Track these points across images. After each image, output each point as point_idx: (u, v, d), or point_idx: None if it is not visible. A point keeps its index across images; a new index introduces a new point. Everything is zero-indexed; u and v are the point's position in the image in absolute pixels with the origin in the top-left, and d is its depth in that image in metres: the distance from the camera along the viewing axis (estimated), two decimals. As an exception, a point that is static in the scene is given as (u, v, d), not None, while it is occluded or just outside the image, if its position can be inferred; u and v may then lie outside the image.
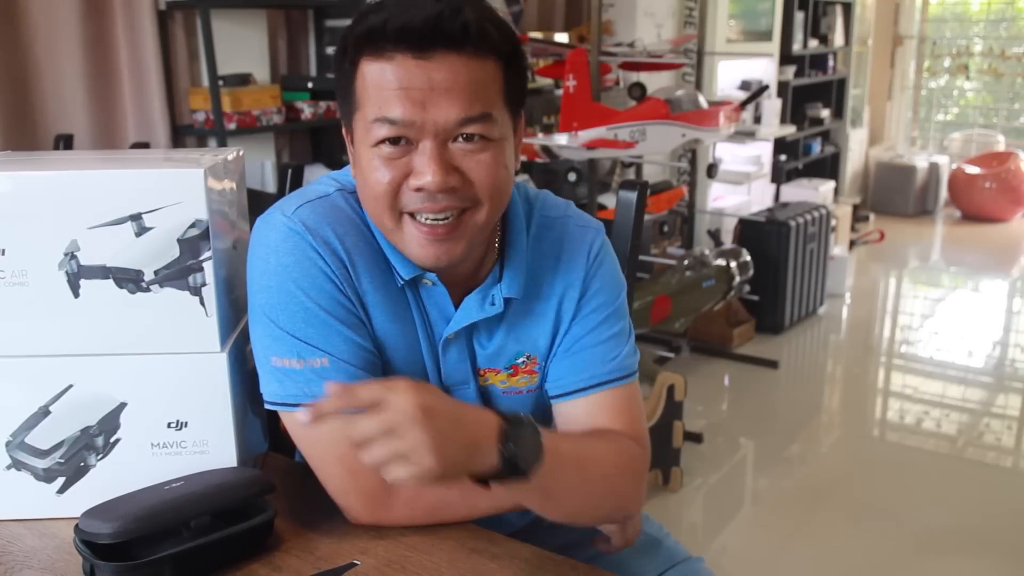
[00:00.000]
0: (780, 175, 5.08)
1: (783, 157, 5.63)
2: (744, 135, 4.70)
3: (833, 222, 4.74)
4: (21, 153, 1.16)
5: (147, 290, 0.99)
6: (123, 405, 1.01)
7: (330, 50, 3.44)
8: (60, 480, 1.02)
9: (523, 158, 3.50)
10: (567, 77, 3.10)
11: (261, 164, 3.24)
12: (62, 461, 1.01)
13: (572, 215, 1.09)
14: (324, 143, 3.57)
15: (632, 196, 1.32)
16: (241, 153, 1.17)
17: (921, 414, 3.51)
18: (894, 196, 7.07)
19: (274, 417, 1.04)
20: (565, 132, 3.12)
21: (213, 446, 1.03)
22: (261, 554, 0.94)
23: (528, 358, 1.06)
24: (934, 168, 7.11)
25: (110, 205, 0.96)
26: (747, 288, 3.92)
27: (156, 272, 0.98)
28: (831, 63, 6.29)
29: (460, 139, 0.91)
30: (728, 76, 5.29)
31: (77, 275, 0.98)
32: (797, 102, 5.89)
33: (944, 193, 7.16)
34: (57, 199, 0.96)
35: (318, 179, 1.06)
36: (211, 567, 0.91)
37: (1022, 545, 2.56)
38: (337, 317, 0.96)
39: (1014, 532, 2.63)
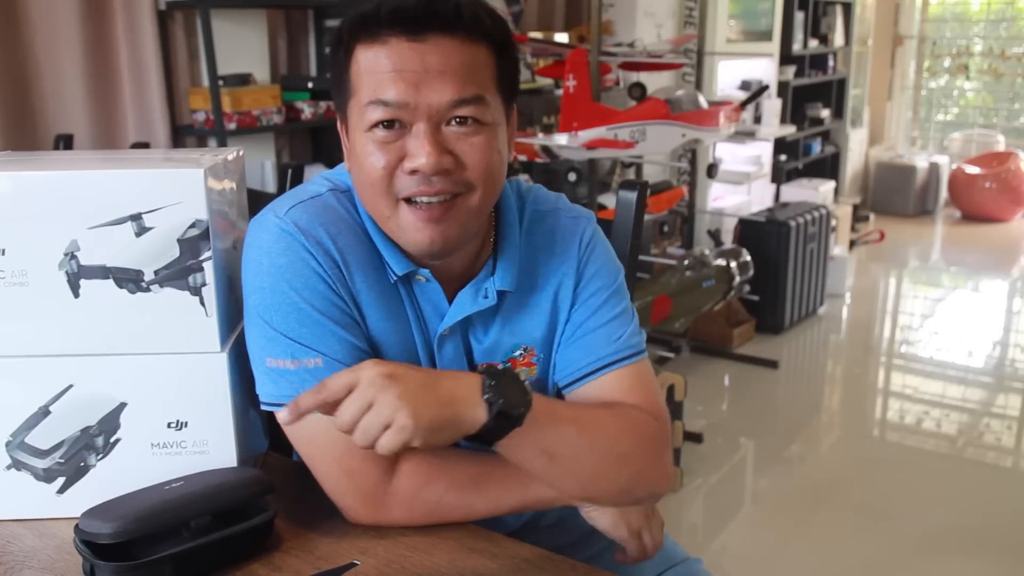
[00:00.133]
0: (780, 175, 5.08)
1: (783, 157, 5.63)
2: (744, 135, 4.70)
3: (833, 222, 4.74)
4: (21, 153, 1.16)
5: (147, 290, 0.99)
6: (123, 405, 1.01)
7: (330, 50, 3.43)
8: (60, 480, 1.02)
9: (523, 158, 3.52)
10: (567, 77, 3.10)
11: (261, 164, 3.24)
12: (62, 461, 1.01)
13: (562, 207, 1.10)
14: (324, 143, 3.57)
15: (632, 196, 1.32)
16: (241, 153, 1.17)
17: (921, 414, 3.51)
18: (894, 196, 7.08)
19: (274, 417, 1.04)
20: (565, 132, 3.12)
21: (213, 446, 1.03)
22: (261, 554, 0.94)
23: (525, 350, 1.07)
24: (934, 168, 7.11)
25: (110, 205, 0.96)
26: (747, 288, 3.93)
27: (156, 272, 0.98)
28: (831, 63, 6.29)
29: (454, 122, 0.92)
30: (728, 76, 5.29)
31: (77, 275, 0.97)
32: (797, 102, 5.89)
33: (944, 193, 7.16)
34: (57, 199, 0.96)
35: (311, 179, 1.07)
36: (211, 567, 0.91)
37: (1022, 545, 2.56)
38: (330, 317, 0.97)
39: (1014, 532, 2.63)
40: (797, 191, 5.35)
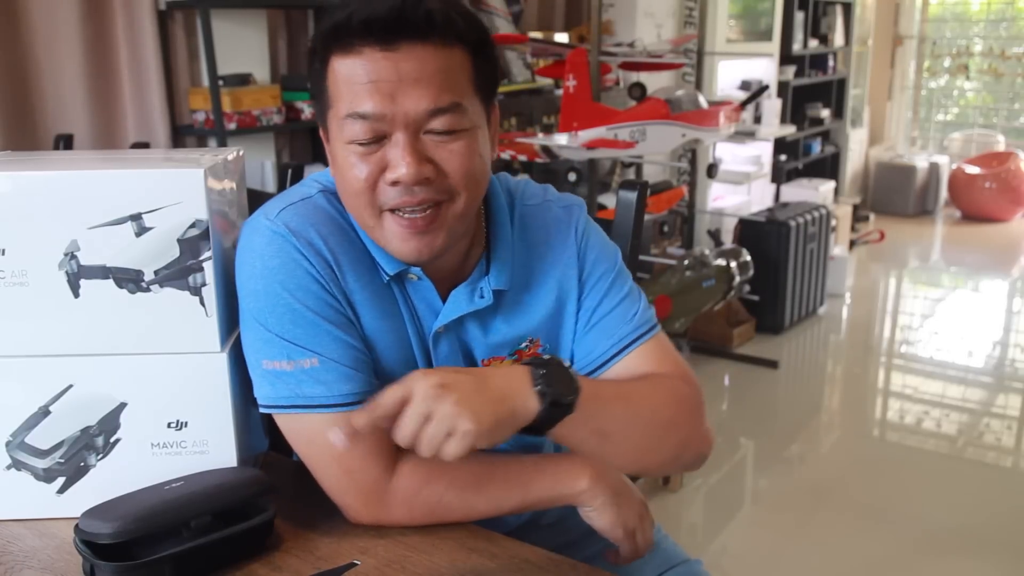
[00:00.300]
0: (780, 175, 5.08)
1: (783, 157, 5.63)
2: (744, 135, 4.70)
3: (833, 222, 4.74)
4: (21, 153, 1.16)
5: (147, 290, 0.99)
6: (123, 405, 1.01)
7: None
8: (60, 480, 1.02)
9: (523, 158, 3.52)
10: (567, 77, 3.10)
11: (261, 164, 3.24)
12: (62, 461, 1.01)
13: (552, 199, 1.11)
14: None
15: (632, 196, 1.33)
16: (241, 153, 1.17)
17: (921, 414, 3.51)
18: (894, 196, 7.08)
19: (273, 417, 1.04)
20: (565, 132, 3.12)
21: (213, 446, 1.03)
22: (261, 554, 0.94)
23: (531, 341, 1.08)
24: (934, 168, 7.11)
25: (110, 205, 0.96)
26: (747, 288, 3.93)
27: (156, 272, 0.98)
28: (831, 63, 6.29)
29: (432, 132, 0.92)
30: (728, 76, 5.29)
31: (77, 275, 0.97)
32: (797, 102, 5.89)
33: (944, 193, 7.16)
34: (57, 199, 0.96)
35: (301, 181, 1.07)
36: (211, 567, 0.91)
37: (1022, 545, 2.56)
38: (325, 317, 0.97)
39: (1014, 532, 2.63)
40: (797, 191, 5.35)
